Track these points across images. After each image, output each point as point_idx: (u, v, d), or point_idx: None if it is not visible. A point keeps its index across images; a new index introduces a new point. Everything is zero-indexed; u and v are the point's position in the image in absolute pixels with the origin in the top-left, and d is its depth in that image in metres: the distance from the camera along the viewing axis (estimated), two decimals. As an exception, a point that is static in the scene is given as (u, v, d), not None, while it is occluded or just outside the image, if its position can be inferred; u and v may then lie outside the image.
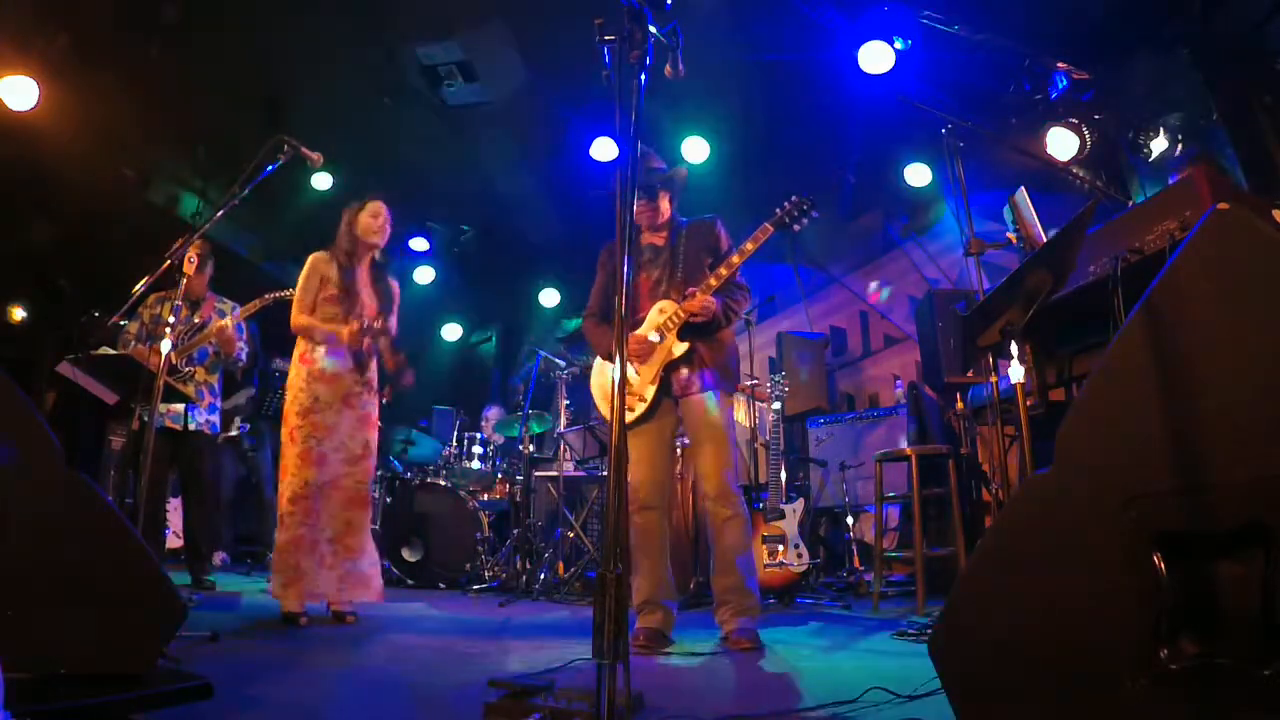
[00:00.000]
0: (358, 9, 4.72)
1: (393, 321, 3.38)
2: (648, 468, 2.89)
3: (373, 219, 3.33)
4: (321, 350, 3.19)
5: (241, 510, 6.13)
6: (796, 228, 2.88)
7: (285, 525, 3.00)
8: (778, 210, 2.89)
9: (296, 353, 3.25)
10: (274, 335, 6.01)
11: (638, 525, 2.89)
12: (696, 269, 2.92)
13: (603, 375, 3.05)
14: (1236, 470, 1.18)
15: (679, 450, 4.00)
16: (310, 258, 3.33)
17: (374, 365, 3.32)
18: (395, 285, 3.46)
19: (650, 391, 2.88)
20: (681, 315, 2.82)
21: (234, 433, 5.77)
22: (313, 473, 3.04)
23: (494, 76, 5.11)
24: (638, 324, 2.93)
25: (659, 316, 2.90)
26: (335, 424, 3.12)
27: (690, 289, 2.84)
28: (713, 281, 2.83)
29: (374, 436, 3.25)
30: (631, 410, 2.88)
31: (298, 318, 3.25)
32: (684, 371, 2.88)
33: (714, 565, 2.85)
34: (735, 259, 2.85)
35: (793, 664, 2.43)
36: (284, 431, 3.13)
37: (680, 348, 2.85)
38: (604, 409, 2.99)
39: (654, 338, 2.87)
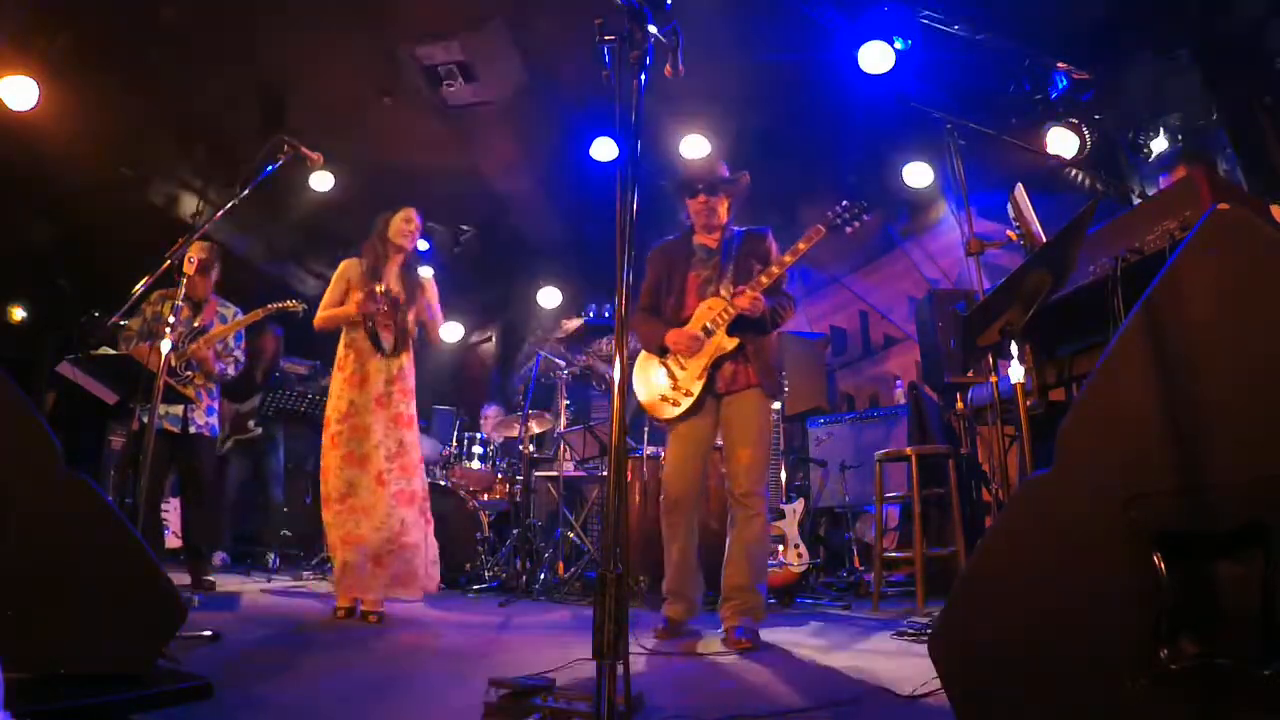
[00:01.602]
0: (358, 9, 4.72)
1: (434, 308, 3.45)
2: (683, 465, 2.96)
3: (405, 223, 3.43)
4: (351, 355, 3.28)
5: (245, 511, 6.13)
6: (849, 230, 2.93)
7: (334, 525, 3.10)
8: (829, 213, 2.94)
9: (335, 365, 3.33)
10: (289, 338, 6.04)
11: (667, 520, 2.99)
12: (745, 273, 2.97)
13: (645, 369, 3.08)
14: (1236, 470, 1.18)
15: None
16: (341, 263, 3.42)
17: (409, 365, 3.36)
18: (426, 278, 3.51)
19: (697, 387, 2.91)
20: (731, 311, 2.87)
21: (248, 435, 5.79)
22: (356, 473, 3.13)
23: (494, 76, 5.11)
24: (684, 322, 2.99)
25: (708, 313, 2.95)
26: (370, 425, 3.18)
27: (740, 286, 2.89)
28: (764, 279, 2.87)
29: (410, 435, 3.29)
30: (677, 405, 2.93)
31: (317, 317, 3.34)
32: (730, 368, 2.93)
33: (726, 560, 2.89)
34: (787, 258, 2.91)
35: (793, 664, 2.43)
36: (324, 436, 3.22)
37: (731, 342, 2.89)
38: (645, 402, 3.04)
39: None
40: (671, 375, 2.95)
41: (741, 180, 3.17)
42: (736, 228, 3.15)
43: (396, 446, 3.22)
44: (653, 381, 2.99)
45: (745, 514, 2.85)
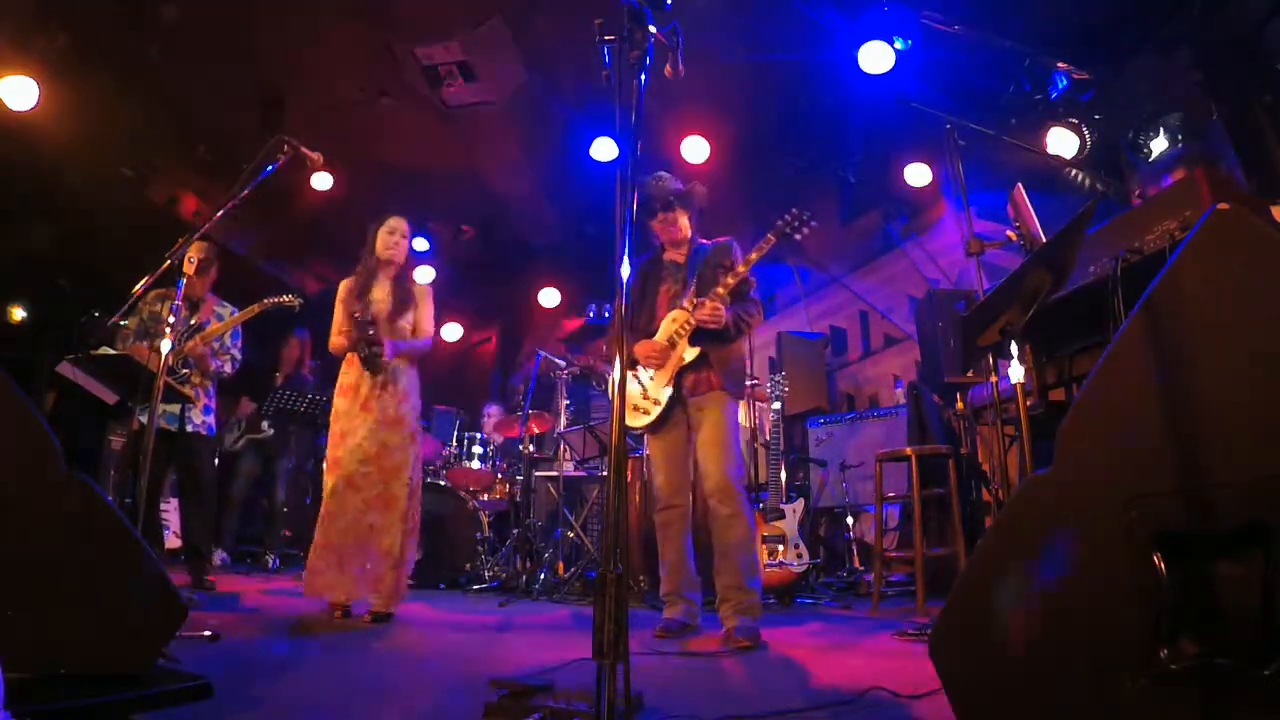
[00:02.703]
0: (358, 9, 4.72)
1: (424, 316, 3.43)
2: (667, 470, 3.07)
3: (389, 234, 3.43)
4: (345, 367, 3.35)
5: (249, 511, 6.14)
6: (798, 237, 2.99)
7: (317, 531, 3.13)
8: (779, 221, 2.99)
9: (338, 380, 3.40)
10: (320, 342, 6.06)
11: (659, 522, 3.08)
12: (709, 284, 3.05)
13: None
14: (1236, 470, 1.18)
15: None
16: (341, 285, 3.44)
17: (405, 367, 3.35)
18: (418, 286, 3.50)
19: (665, 395, 3.02)
20: (692, 323, 2.97)
21: (261, 435, 5.80)
22: (334, 479, 3.17)
23: (494, 76, 5.11)
24: (654, 334, 3.10)
25: (672, 325, 3.06)
26: (352, 429, 3.21)
27: (700, 298, 2.99)
28: (721, 290, 2.96)
29: (395, 438, 3.22)
30: (647, 414, 3.04)
31: (331, 341, 3.39)
32: (692, 377, 3.03)
33: (715, 562, 2.93)
34: (741, 268, 2.99)
35: (793, 664, 2.43)
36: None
37: (691, 353, 3.00)
38: (628, 417, 3.12)
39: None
40: (641, 384, 3.07)
41: (694, 190, 3.26)
42: (703, 241, 3.24)
43: (377, 449, 3.18)
44: (630, 395, 3.09)
45: (724, 513, 2.90)
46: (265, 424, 5.79)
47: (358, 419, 3.22)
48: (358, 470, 3.15)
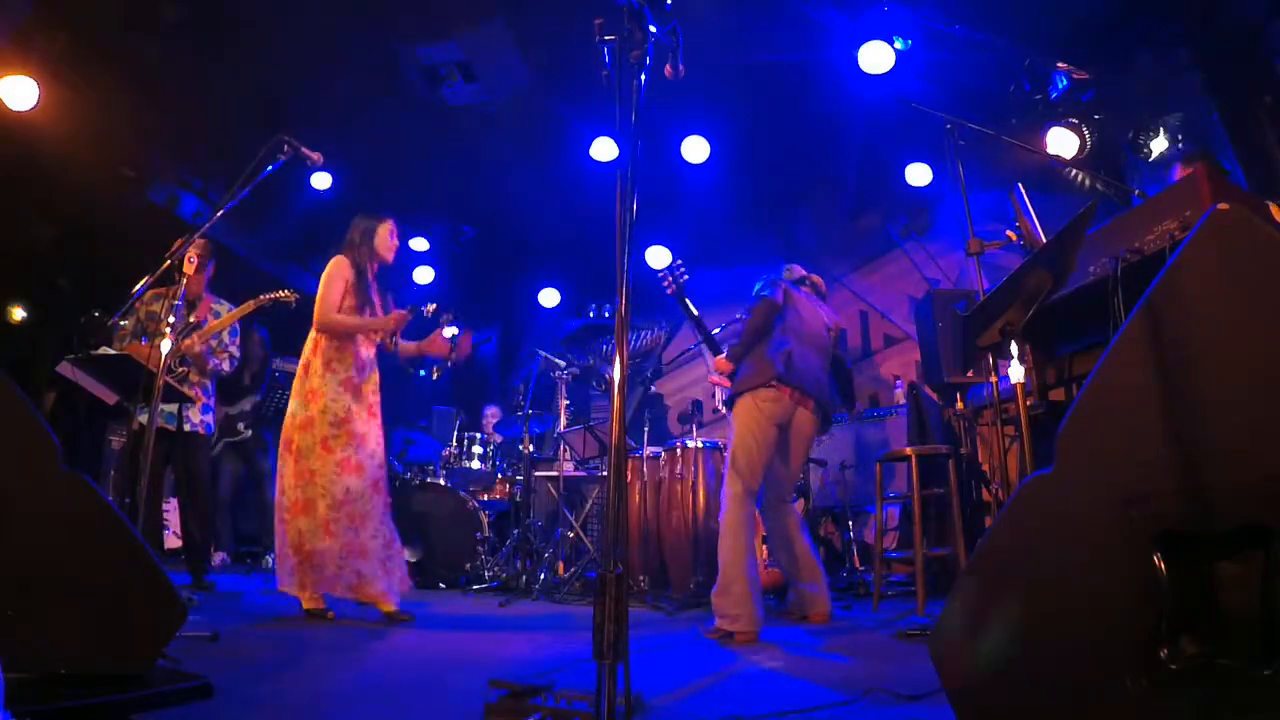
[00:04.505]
0: (358, 9, 4.71)
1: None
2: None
3: (391, 238, 3.48)
4: (348, 357, 3.24)
5: (243, 511, 6.13)
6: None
7: (330, 532, 3.03)
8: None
9: (320, 361, 3.23)
10: (279, 337, 6.03)
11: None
12: None
13: None
14: (1236, 470, 1.18)
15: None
16: (334, 260, 3.35)
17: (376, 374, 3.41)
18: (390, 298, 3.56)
19: None
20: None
21: (238, 437, 5.78)
22: (354, 480, 3.11)
23: (494, 76, 5.10)
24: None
25: None
26: (365, 432, 3.21)
27: None
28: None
29: (382, 439, 3.37)
30: None
31: (330, 315, 3.23)
32: None
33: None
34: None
35: (793, 664, 2.43)
36: (304, 437, 3.12)
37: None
38: None
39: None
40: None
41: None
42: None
43: (384, 455, 3.30)
44: None
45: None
46: (241, 425, 5.77)
47: (367, 423, 3.22)
48: (380, 475, 3.21)
